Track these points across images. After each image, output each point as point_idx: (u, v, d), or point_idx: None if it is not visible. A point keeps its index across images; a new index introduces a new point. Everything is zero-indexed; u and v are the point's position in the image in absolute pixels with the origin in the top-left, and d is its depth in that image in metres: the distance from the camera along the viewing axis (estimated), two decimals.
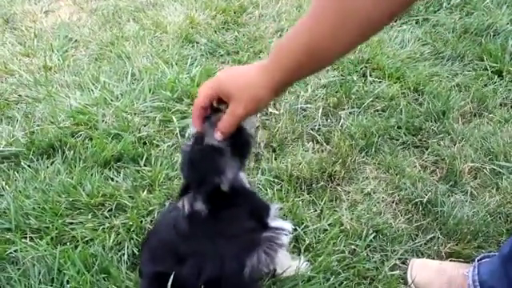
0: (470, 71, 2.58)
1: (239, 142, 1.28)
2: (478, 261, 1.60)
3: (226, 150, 1.25)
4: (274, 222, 1.43)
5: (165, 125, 2.22)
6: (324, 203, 1.85)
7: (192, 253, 1.36)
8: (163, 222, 1.58)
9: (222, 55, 2.68)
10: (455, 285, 1.56)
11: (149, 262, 1.47)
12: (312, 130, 2.18)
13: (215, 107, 1.22)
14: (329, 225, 1.76)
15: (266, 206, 1.45)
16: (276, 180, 1.93)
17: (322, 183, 1.93)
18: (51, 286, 1.59)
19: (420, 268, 1.64)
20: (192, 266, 1.36)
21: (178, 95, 2.34)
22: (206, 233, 1.36)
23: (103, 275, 1.60)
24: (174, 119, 2.22)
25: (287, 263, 1.59)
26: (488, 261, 1.58)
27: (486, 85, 2.49)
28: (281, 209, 1.77)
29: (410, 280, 1.62)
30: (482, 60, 2.63)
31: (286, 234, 1.45)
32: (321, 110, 2.26)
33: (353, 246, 1.70)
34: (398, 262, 1.69)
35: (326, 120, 2.24)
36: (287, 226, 1.46)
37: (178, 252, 1.38)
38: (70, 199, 1.86)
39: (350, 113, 2.27)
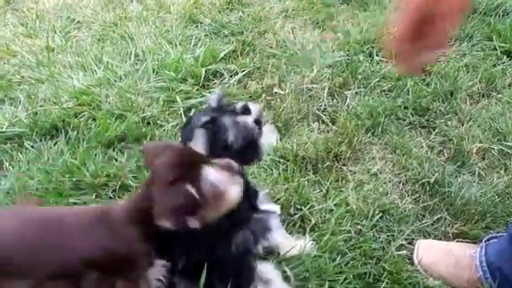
0: (478, 51, 2.54)
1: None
2: (485, 241, 1.59)
3: None
4: (264, 205, 1.44)
5: (169, 105, 2.20)
6: (330, 183, 1.83)
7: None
8: None
9: (226, 35, 2.65)
10: (462, 265, 1.55)
11: None
12: (318, 110, 2.15)
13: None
14: (335, 205, 1.74)
15: (254, 191, 1.46)
16: (281, 160, 1.91)
17: (328, 163, 1.91)
18: None
19: (426, 248, 1.62)
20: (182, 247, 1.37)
21: (181, 75, 2.31)
22: None
23: None
24: (178, 99, 2.20)
25: (288, 243, 1.59)
26: (496, 241, 1.56)
27: (494, 65, 2.45)
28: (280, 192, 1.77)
29: (416, 260, 1.60)
30: (491, 40, 2.58)
31: (275, 217, 1.48)
32: (326, 90, 2.23)
33: (359, 226, 1.68)
34: (404, 243, 1.68)
35: (332, 100, 2.21)
36: (276, 208, 1.48)
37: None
38: (74, 179, 1.84)
39: (356, 93, 2.24)
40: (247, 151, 1.30)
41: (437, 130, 2.09)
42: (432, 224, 1.74)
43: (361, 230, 1.67)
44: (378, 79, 2.30)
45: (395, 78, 2.32)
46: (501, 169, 1.96)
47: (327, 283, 1.51)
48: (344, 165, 1.92)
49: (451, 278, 1.55)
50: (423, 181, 1.85)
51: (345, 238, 1.63)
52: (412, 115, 2.14)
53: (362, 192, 1.82)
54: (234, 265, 1.42)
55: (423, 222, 1.74)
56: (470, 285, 1.52)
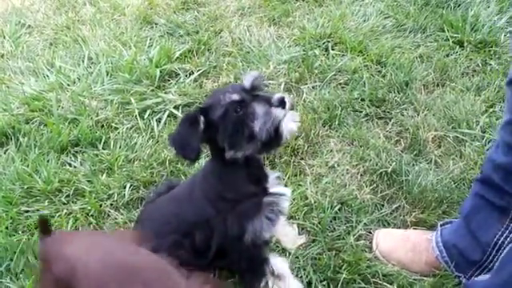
0: (431, 42, 2.58)
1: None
2: (440, 225, 1.60)
3: None
4: (274, 188, 1.41)
5: (124, 107, 2.15)
6: (288, 178, 1.82)
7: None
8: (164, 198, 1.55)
9: (181, 35, 2.61)
10: (420, 249, 1.56)
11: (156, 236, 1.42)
12: None
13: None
14: (293, 199, 1.73)
15: (264, 174, 1.43)
16: None
17: (286, 158, 1.89)
18: (6, 276, 1.52)
19: (385, 237, 1.63)
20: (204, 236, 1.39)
21: (136, 77, 2.27)
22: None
23: None
24: (133, 101, 2.15)
25: (289, 231, 1.60)
26: (450, 224, 1.58)
27: (447, 55, 2.49)
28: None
29: (374, 248, 1.61)
30: (444, 31, 2.62)
31: (286, 199, 1.44)
32: (283, 86, 2.23)
33: (318, 219, 1.67)
34: (363, 232, 1.68)
35: (289, 95, 2.20)
36: (287, 191, 1.45)
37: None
38: (25, 187, 1.79)
39: (312, 87, 2.24)
40: (270, 141, 1.27)
41: (393, 121, 2.11)
42: (391, 213, 1.75)
43: (320, 222, 1.66)
44: (334, 73, 2.30)
45: (351, 71, 2.33)
46: (456, 155, 1.98)
47: None
48: (302, 159, 1.92)
49: (410, 262, 1.56)
50: (381, 171, 1.86)
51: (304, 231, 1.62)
52: (368, 107, 2.15)
53: (320, 185, 1.81)
54: (247, 257, 1.40)
55: (382, 211, 1.75)
56: (428, 266, 1.54)
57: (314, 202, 1.73)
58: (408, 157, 1.94)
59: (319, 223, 1.66)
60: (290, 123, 1.26)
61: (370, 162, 1.90)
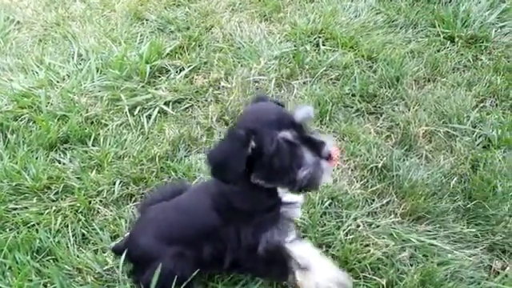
0: (423, 38, 2.58)
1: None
2: None
3: None
4: (286, 196, 1.37)
5: (113, 103, 2.14)
6: None
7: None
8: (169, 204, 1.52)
9: (172, 31, 2.60)
10: None
11: (159, 241, 1.41)
12: None
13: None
14: None
15: None
16: None
17: None
18: None
19: None
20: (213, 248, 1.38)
21: (126, 73, 2.25)
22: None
23: (49, 257, 1.54)
24: (123, 97, 2.14)
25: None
26: None
27: (438, 50, 2.50)
28: None
29: None
30: (435, 26, 2.62)
31: (298, 207, 1.43)
32: (274, 81, 2.22)
33: (308, 214, 1.67)
34: (353, 227, 1.67)
35: (280, 91, 2.20)
36: (299, 198, 1.42)
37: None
38: (13, 184, 1.77)
39: (303, 83, 2.24)
40: (305, 188, 1.26)
41: (384, 116, 2.11)
42: (381, 207, 1.74)
43: (310, 217, 1.66)
44: (324, 68, 2.30)
45: (342, 67, 2.33)
46: (447, 150, 1.99)
47: None
48: None
49: None
50: (371, 166, 1.86)
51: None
52: (359, 102, 2.15)
53: None
54: (263, 263, 1.39)
55: (372, 205, 1.74)
56: None
57: (305, 197, 1.72)
58: (399, 152, 1.94)
59: (310, 218, 1.65)
60: (328, 177, 1.26)
61: (361, 158, 1.89)
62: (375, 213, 1.73)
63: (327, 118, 2.05)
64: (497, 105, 2.24)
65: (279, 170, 1.22)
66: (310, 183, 1.23)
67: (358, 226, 1.67)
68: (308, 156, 1.21)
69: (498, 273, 1.56)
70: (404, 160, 1.91)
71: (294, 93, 2.17)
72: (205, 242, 1.39)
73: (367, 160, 1.88)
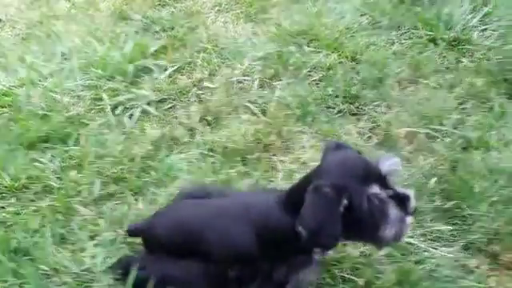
0: (406, 40, 2.59)
1: None
2: None
3: None
4: None
5: (95, 103, 2.13)
6: (259, 174, 1.81)
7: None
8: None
9: (157, 31, 2.59)
10: None
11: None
12: (248, 101, 2.14)
13: None
14: None
15: None
16: (210, 153, 1.88)
17: (258, 154, 1.89)
18: None
19: None
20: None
21: (109, 73, 2.25)
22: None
23: (26, 258, 1.52)
24: (106, 97, 2.13)
25: None
26: None
27: (421, 52, 2.51)
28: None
29: None
30: (418, 29, 2.64)
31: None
32: (257, 82, 2.22)
33: None
34: None
35: (263, 91, 2.20)
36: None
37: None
38: None
39: (287, 83, 2.24)
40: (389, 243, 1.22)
41: (366, 117, 2.12)
42: None
43: None
44: (308, 69, 2.31)
45: (326, 68, 2.34)
46: (428, 151, 2.00)
47: None
48: (274, 155, 1.91)
49: None
50: None
51: None
52: (342, 103, 2.16)
53: (291, 181, 1.80)
54: None
55: None
56: None
57: None
58: (380, 153, 1.95)
59: None
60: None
61: None
62: None
63: (310, 118, 2.06)
64: (477, 106, 2.26)
65: (366, 227, 1.15)
66: (393, 240, 1.18)
67: None
68: (394, 212, 1.15)
69: (473, 271, 1.57)
70: None
71: (277, 93, 2.17)
72: (231, 263, 1.33)
73: None
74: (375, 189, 1.14)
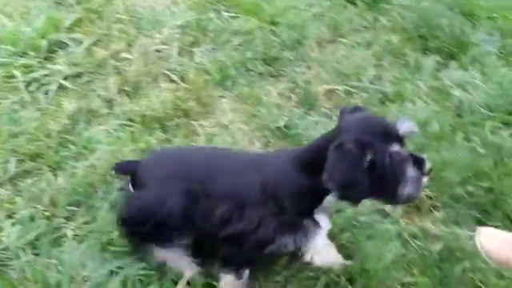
0: (325, 1, 2.64)
1: None
2: None
3: None
4: (317, 215, 1.33)
5: (8, 81, 2.04)
6: (179, 140, 1.81)
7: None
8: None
9: (71, 5, 2.49)
10: None
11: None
12: (168, 70, 2.11)
13: None
14: None
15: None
16: (129, 123, 1.86)
17: (177, 120, 1.88)
18: None
19: (488, 237, 1.63)
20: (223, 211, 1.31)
21: (21, 49, 2.15)
22: None
23: None
24: (19, 74, 2.05)
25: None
26: None
27: (340, 13, 2.56)
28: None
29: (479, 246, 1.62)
30: None
31: (322, 234, 1.39)
32: (176, 50, 2.20)
33: None
34: None
35: (182, 59, 2.18)
36: (326, 224, 1.37)
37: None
38: None
39: (206, 50, 2.23)
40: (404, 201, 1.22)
41: (286, 78, 2.16)
42: None
43: None
44: (228, 35, 2.30)
45: (245, 33, 2.34)
46: None
47: None
48: (194, 120, 1.91)
49: None
50: (272, 126, 1.89)
51: None
52: (262, 66, 2.18)
53: (211, 144, 1.82)
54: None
55: None
56: None
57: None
58: (299, 111, 1.99)
59: None
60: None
61: (262, 119, 1.93)
62: None
63: (229, 82, 2.07)
64: (394, 62, 2.34)
65: (387, 184, 1.17)
66: (408, 199, 1.21)
67: None
68: (411, 171, 1.18)
69: (389, 215, 1.65)
70: (305, 119, 1.96)
71: (197, 60, 2.16)
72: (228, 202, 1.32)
73: (268, 120, 1.91)
74: (396, 147, 1.17)
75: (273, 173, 1.31)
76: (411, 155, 1.20)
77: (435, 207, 1.72)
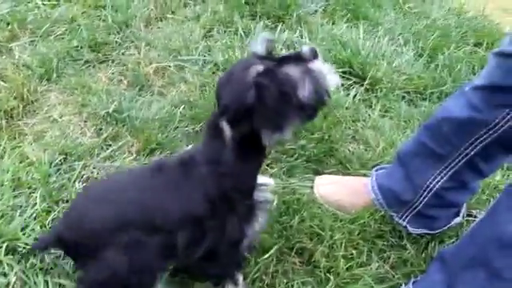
0: None
1: None
2: (375, 170, 1.72)
3: None
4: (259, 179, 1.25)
5: None
6: (5, 143, 1.73)
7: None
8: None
9: None
10: (358, 193, 1.67)
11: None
12: None
13: None
14: (13, 163, 1.67)
15: None
16: None
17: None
18: None
19: (324, 181, 1.73)
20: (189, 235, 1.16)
21: None
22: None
23: None
24: None
25: None
26: (385, 169, 1.71)
27: None
28: None
29: (317, 194, 1.71)
30: None
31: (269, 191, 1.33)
32: None
33: (39, 174, 1.64)
34: (93, 175, 1.70)
35: (1, 57, 2.07)
36: (270, 181, 1.35)
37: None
38: None
39: (25, 43, 2.13)
40: (317, 103, 1.06)
41: (115, 62, 2.14)
42: (118, 149, 1.79)
43: (39, 179, 1.63)
44: (49, 25, 2.22)
45: (69, 20, 2.27)
46: (180, 82, 2.10)
47: None
48: (19, 120, 1.84)
49: (350, 206, 1.66)
50: (102, 113, 1.88)
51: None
52: (88, 53, 2.14)
53: (43, 141, 1.77)
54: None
55: (108, 150, 1.78)
56: (365, 210, 1.65)
57: (36, 160, 1.69)
58: (131, 93, 2.00)
59: (39, 181, 1.61)
60: (333, 75, 1.07)
61: (92, 107, 1.91)
62: (112, 156, 1.78)
63: (55, 75, 2.01)
64: (223, 32, 2.41)
65: (278, 107, 1.03)
66: (318, 96, 1.05)
67: (92, 172, 1.70)
68: (293, 70, 1.04)
69: None
70: (136, 100, 1.98)
71: (15, 56, 2.06)
72: (180, 230, 1.16)
73: (98, 108, 1.90)
74: (256, 70, 1.04)
75: (204, 174, 1.16)
76: (282, 58, 1.08)
77: (268, 164, 1.84)
